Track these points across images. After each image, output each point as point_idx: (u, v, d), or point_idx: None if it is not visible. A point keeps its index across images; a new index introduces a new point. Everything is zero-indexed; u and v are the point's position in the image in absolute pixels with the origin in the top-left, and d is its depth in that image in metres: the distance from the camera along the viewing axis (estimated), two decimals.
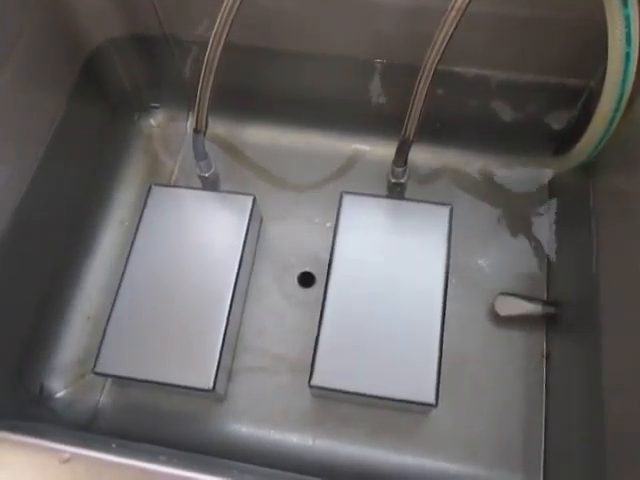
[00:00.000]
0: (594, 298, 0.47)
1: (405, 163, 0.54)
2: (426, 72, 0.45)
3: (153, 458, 0.30)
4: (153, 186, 0.57)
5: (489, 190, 0.63)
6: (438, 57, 0.44)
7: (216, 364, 0.50)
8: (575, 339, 0.51)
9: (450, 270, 0.53)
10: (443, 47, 0.43)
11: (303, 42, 0.57)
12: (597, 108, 0.46)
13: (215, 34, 0.46)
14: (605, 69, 0.44)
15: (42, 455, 0.30)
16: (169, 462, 0.30)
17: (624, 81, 0.42)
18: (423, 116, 0.48)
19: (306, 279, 0.59)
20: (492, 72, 0.56)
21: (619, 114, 0.44)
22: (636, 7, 0.40)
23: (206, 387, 0.49)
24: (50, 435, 0.32)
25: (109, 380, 0.56)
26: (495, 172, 0.64)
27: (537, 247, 0.60)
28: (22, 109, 0.51)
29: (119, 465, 0.30)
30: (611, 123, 0.45)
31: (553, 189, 0.63)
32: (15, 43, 0.49)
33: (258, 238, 0.61)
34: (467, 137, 0.64)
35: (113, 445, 0.37)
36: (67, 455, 0.29)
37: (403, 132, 0.49)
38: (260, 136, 0.67)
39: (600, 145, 0.49)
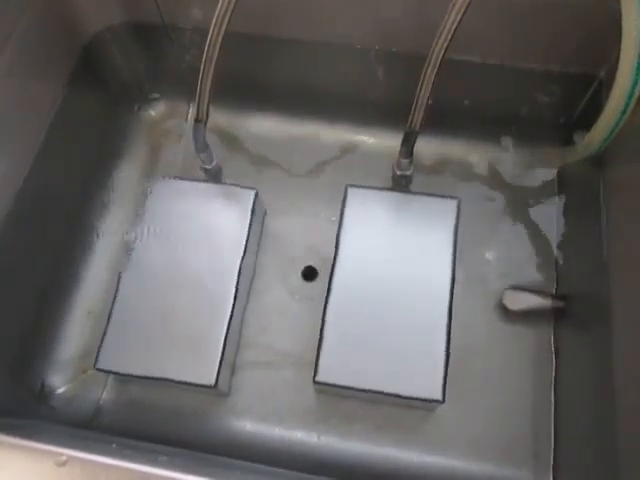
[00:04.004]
0: (604, 292, 0.46)
1: (411, 154, 0.53)
2: (433, 60, 0.44)
3: (152, 460, 0.29)
4: (153, 179, 0.57)
5: (496, 182, 0.62)
6: (445, 45, 0.43)
7: (219, 360, 0.49)
8: (585, 333, 0.51)
9: (457, 264, 0.52)
10: (451, 35, 0.42)
11: (305, 30, 0.56)
12: (610, 95, 0.45)
13: (215, 22, 0.45)
14: (618, 57, 0.43)
15: (39, 458, 0.29)
16: (168, 464, 0.29)
17: (639, 68, 0.41)
18: (429, 106, 0.47)
19: (310, 273, 0.59)
20: (499, 61, 0.55)
21: (633, 101, 0.43)
22: None
23: (208, 383, 0.49)
24: (48, 435, 0.32)
25: (111, 376, 0.55)
26: (503, 164, 0.63)
27: (546, 240, 0.59)
28: (18, 98, 0.51)
29: (117, 468, 0.29)
30: (624, 111, 0.44)
31: (562, 181, 0.62)
32: (11, 31, 0.48)
33: (261, 232, 0.60)
34: (473, 128, 0.63)
35: (113, 445, 0.36)
36: (64, 458, 0.29)
37: (409, 123, 0.48)
38: (263, 127, 0.66)
39: (612, 135, 0.47)
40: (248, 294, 0.57)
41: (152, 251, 0.53)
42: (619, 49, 0.43)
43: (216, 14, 0.45)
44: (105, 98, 0.64)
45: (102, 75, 0.63)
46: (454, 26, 0.41)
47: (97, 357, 0.50)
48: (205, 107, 0.50)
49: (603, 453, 0.43)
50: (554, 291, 0.57)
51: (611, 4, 0.42)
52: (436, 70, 0.44)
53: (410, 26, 0.53)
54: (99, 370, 0.50)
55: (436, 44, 0.43)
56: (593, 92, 0.56)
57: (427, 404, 0.50)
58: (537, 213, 0.60)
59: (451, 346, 0.49)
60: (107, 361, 0.50)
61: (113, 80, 0.64)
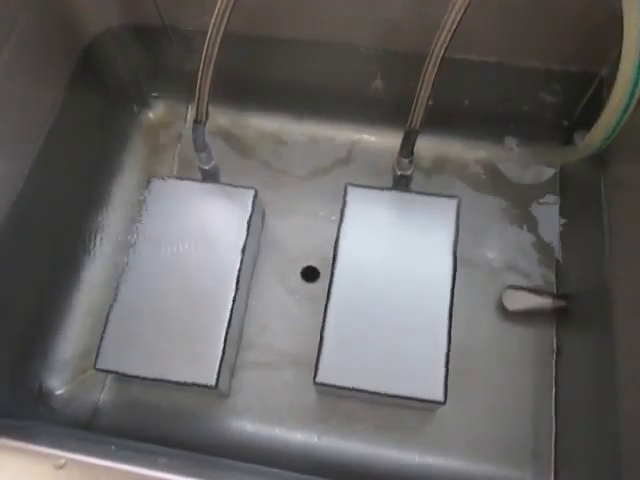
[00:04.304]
0: (606, 291, 0.46)
1: (411, 154, 0.52)
2: (433, 59, 0.43)
3: (151, 462, 0.29)
4: (153, 179, 0.57)
5: (497, 181, 0.62)
6: (446, 44, 0.42)
7: (219, 360, 0.49)
8: (587, 333, 0.51)
9: (457, 264, 0.51)
10: (451, 34, 0.42)
11: (304, 30, 0.56)
12: (611, 94, 0.44)
13: (214, 22, 0.45)
14: (619, 55, 0.43)
15: (37, 461, 0.29)
16: (168, 466, 0.29)
17: None
18: (429, 106, 0.46)
19: (310, 274, 0.58)
20: (498, 59, 0.55)
21: (634, 100, 0.43)
22: None
23: (209, 383, 0.49)
24: (47, 437, 0.32)
25: (109, 377, 0.55)
26: (503, 163, 0.63)
27: (546, 239, 0.59)
28: (18, 99, 0.50)
29: (115, 470, 0.29)
30: (625, 110, 0.44)
31: (563, 180, 0.61)
32: (10, 31, 0.48)
33: (261, 232, 0.60)
34: (474, 127, 0.63)
35: (112, 447, 0.36)
36: (63, 461, 0.29)
37: (409, 122, 0.48)
38: (262, 127, 0.66)
39: (613, 134, 0.47)
40: (248, 294, 0.57)
41: (151, 251, 0.53)
42: (620, 47, 0.42)
43: (215, 14, 0.45)
44: (105, 99, 0.63)
45: (102, 76, 0.62)
46: (454, 25, 0.41)
47: (97, 357, 0.50)
48: (204, 107, 0.50)
49: (604, 454, 0.43)
50: (555, 291, 0.56)
51: (612, 2, 0.42)
52: (436, 69, 0.44)
53: (410, 26, 0.53)
54: (99, 370, 0.50)
55: (436, 43, 0.43)
56: (594, 91, 0.55)
57: (428, 405, 0.49)
58: (538, 212, 0.60)
59: (451, 346, 0.48)
60: (107, 361, 0.50)
61: (113, 81, 0.64)
